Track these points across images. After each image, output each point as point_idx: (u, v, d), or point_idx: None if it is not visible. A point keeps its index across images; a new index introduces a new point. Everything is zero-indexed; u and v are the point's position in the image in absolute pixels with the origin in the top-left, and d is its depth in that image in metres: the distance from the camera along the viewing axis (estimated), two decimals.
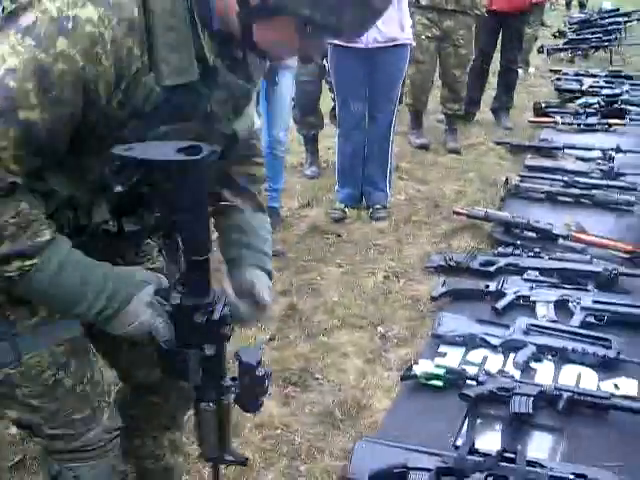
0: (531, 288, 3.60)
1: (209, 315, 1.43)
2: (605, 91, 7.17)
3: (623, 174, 5.05)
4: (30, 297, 1.44)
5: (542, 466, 2.59)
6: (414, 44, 4.78)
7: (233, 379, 1.54)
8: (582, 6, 14.00)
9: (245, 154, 1.78)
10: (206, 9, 1.38)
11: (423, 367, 3.08)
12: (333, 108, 5.06)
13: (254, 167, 1.83)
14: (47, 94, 1.25)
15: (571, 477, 2.52)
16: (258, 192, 1.83)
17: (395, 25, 4.37)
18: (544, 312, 3.47)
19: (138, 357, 1.83)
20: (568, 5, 14.44)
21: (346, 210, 4.71)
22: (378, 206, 4.68)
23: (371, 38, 4.31)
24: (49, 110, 1.27)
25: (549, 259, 3.90)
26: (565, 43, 10.25)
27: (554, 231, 4.17)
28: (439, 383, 3.05)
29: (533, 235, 4.21)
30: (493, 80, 7.01)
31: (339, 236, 4.41)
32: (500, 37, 6.61)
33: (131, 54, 1.31)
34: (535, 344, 3.21)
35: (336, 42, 4.42)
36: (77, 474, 1.71)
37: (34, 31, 1.25)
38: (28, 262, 1.34)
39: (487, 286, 3.65)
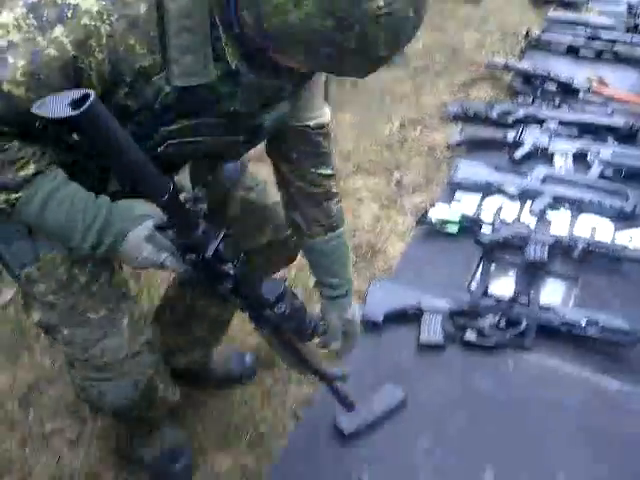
0: (550, 139, 3.55)
1: (202, 253, 1.41)
2: None
3: None
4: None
5: (555, 311, 2.63)
6: None
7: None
8: None
9: (310, 152, 1.76)
10: (228, 11, 1.29)
11: (438, 212, 3.08)
12: None
13: (322, 180, 1.80)
14: (34, 76, 1.24)
15: (583, 322, 2.56)
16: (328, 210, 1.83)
17: None
18: (562, 163, 3.44)
19: None
20: None
21: None
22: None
23: None
24: (34, 91, 1.24)
25: (569, 111, 3.83)
26: None
27: (575, 84, 4.08)
28: (454, 229, 3.06)
29: (553, 87, 4.11)
30: None
31: (355, 86, 4.31)
32: None
33: (133, 51, 1.27)
34: (552, 194, 3.20)
35: None
36: (101, 390, 1.74)
37: (38, 11, 1.23)
38: (13, 195, 1.34)
39: (505, 136, 3.60)
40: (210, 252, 1.40)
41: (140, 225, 1.40)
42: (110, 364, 1.68)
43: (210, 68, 1.33)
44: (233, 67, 1.36)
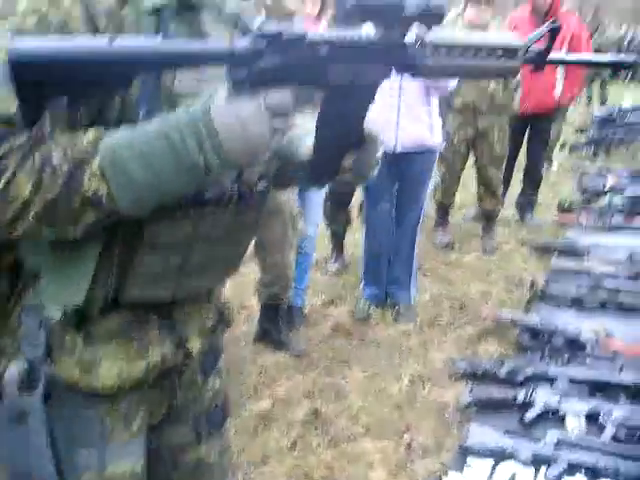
0: (560, 399, 3.53)
1: None
2: (629, 190, 7.17)
3: None
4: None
5: None
6: (442, 148, 4.82)
7: None
8: (603, 102, 14.21)
9: None
10: None
11: None
12: (362, 202, 5.10)
13: None
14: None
15: None
16: None
17: (425, 128, 4.41)
18: (575, 424, 3.39)
19: None
20: (589, 100, 14.60)
21: (370, 310, 4.67)
22: (403, 307, 4.64)
23: (400, 141, 4.35)
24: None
25: (578, 368, 3.83)
26: (587, 140, 10.32)
27: (582, 338, 4.11)
28: None
29: (561, 342, 4.14)
30: (517, 175, 7.02)
31: (363, 338, 4.37)
32: (526, 137, 6.67)
33: None
34: (566, 460, 3.13)
35: None
36: None
37: None
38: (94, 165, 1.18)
39: (515, 396, 3.57)
40: None
41: (211, 97, 1.21)
42: None
43: None
44: None
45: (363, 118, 1.38)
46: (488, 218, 6.15)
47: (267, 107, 1.18)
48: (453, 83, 4.46)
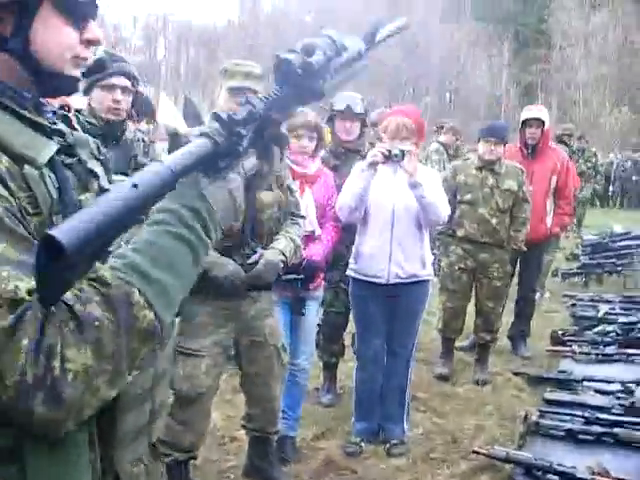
0: None
1: None
2: (622, 319, 7.19)
3: None
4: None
5: None
6: (435, 280, 4.87)
7: None
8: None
9: None
10: None
11: None
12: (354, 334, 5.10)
13: None
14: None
15: None
16: None
17: (417, 261, 4.47)
18: None
19: None
20: (579, 223, 14.77)
21: (362, 444, 4.60)
22: (395, 441, 4.57)
23: (392, 274, 4.41)
24: None
25: None
26: (579, 267, 10.41)
27: (577, 475, 4.05)
28: None
29: (555, 478, 4.08)
30: (508, 304, 7.05)
31: (355, 472, 4.29)
32: (518, 265, 6.74)
33: None
34: None
35: (355, 275, 4.55)
36: None
37: None
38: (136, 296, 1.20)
39: None
40: None
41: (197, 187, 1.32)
42: None
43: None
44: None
45: None
46: (483, 350, 6.14)
47: (246, 172, 1.41)
48: (445, 214, 4.53)
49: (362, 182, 4.34)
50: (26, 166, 1.24)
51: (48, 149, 1.30)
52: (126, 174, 3.52)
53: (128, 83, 3.72)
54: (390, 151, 4.31)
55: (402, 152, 4.31)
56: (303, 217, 3.89)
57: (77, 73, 1.40)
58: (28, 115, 1.32)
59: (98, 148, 1.53)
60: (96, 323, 1.12)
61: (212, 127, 1.31)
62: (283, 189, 3.67)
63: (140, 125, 4.27)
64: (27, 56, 1.31)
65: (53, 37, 1.33)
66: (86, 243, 1.03)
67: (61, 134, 1.39)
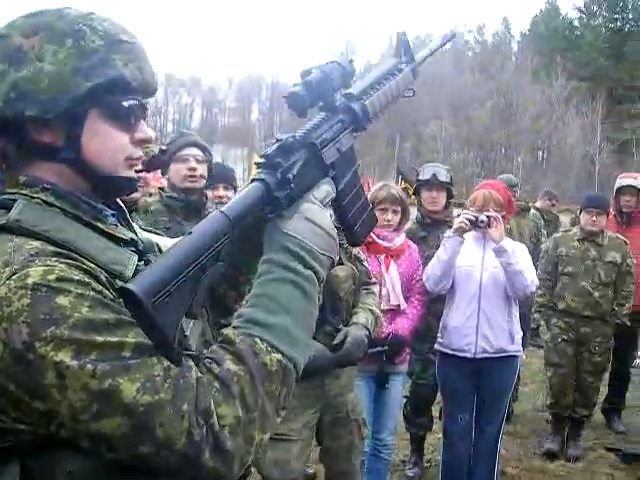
0: None
1: None
2: None
3: None
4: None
5: None
6: (524, 356, 4.78)
7: None
8: None
9: None
10: None
11: None
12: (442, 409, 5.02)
13: None
14: None
15: None
16: None
17: (505, 336, 4.41)
18: None
19: None
20: None
21: None
22: None
23: (480, 348, 4.36)
24: None
25: None
26: None
27: None
28: None
29: None
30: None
31: None
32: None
33: None
34: None
35: (442, 349, 4.51)
36: None
37: None
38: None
39: None
40: None
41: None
42: None
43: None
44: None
45: None
46: (578, 425, 5.95)
47: (320, 201, 1.45)
48: (532, 285, 4.46)
49: (449, 250, 4.34)
50: (117, 281, 1.30)
51: (132, 262, 1.36)
52: None
53: (200, 152, 3.83)
54: (477, 217, 4.31)
55: (488, 218, 4.30)
56: (375, 283, 3.89)
57: (132, 173, 1.46)
58: (107, 230, 1.38)
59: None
60: (235, 378, 1.23)
61: (257, 173, 1.39)
62: (352, 260, 3.68)
63: (221, 192, 4.34)
64: (82, 164, 1.37)
65: (104, 143, 1.38)
66: (153, 287, 1.11)
67: (134, 242, 1.44)
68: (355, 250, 3.72)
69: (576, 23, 70.91)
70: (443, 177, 5.05)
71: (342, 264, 3.58)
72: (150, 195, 4.22)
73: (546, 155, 63.05)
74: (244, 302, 1.35)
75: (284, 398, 1.30)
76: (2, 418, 1.18)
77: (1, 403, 1.17)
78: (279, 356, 1.28)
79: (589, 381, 5.85)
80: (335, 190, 1.51)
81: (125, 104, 1.38)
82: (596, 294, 5.73)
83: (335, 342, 3.45)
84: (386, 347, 4.09)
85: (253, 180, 1.37)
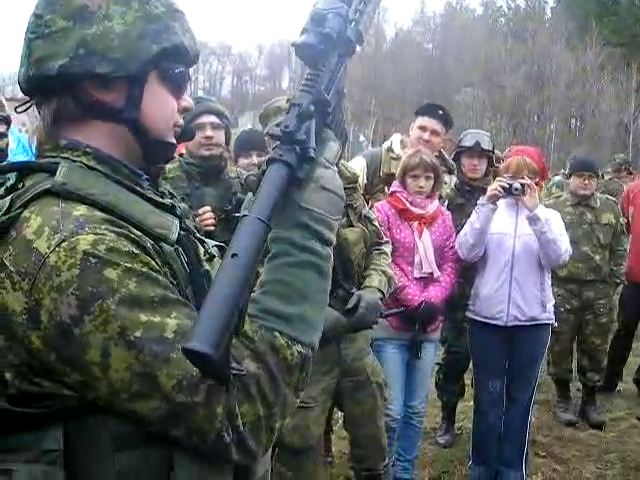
0: None
1: None
2: None
3: None
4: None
5: None
6: (556, 324, 4.76)
7: None
8: None
9: None
10: None
11: None
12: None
13: None
14: None
15: None
16: None
17: (537, 304, 4.38)
18: None
19: None
20: None
21: None
22: None
23: (511, 316, 4.34)
24: None
25: None
26: None
27: None
28: None
29: None
30: (636, 345, 6.80)
31: None
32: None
33: None
34: None
35: (474, 317, 4.49)
36: None
37: None
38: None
39: None
40: None
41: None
42: None
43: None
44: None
45: None
46: (592, 391, 5.95)
47: (332, 163, 1.39)
48: (567, 254, 4.42)
49: (481, 218, 4.30)
50: (163, 244, 1.30)
51: (175, 226, 1.35)
52: (226, 210, 3.65)
53: (216, 119, 3.82)
54: (511, 185, 4.27)
55: (522, 186, 4.26)
56: (387, 242, 3.84)
57: (174, 140, 1.48)
58: (149, 195, 1.38)
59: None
60: (254, 379, 1.21)
61: (276, 150, 1.32)
62: (362, 221, 3.64)
63: (254, 159, 4.31)
64: (138, 126, 1.38)
65: (160, 107, 1.40)
66: (222, 336, 1.09)
67: (173, 207, 1.44)
68: (365, 210, 3.70)
69: None
70: (486, 145, 5.01)
71: (352, 226, 3.55)
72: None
73: (579, 123, 62.28)
74: (258, 285, 1.30)
75: (302, 382, 1.30)
76: (43, 383, 1.18)
77: (41, 369, 1.18)
78: (299, 347, 1.27)
79: (597, 343, 5.85)
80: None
81: (177, 71, 1.40)
82: (597, 257, 5.74)
83: (348, 306, 3.42)
84: (401, 309, 4.07)
85: (273, 160, 1.30)
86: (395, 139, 5.00)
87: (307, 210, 1.32)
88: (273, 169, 1.29)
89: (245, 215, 1.21)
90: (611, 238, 5.81)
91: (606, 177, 10.07)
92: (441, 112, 4.87)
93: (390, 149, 4.92)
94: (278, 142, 1.32)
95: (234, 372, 1.17)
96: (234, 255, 1.15)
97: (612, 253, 5.84)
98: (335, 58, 1.42)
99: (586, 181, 5.74)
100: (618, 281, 5.92)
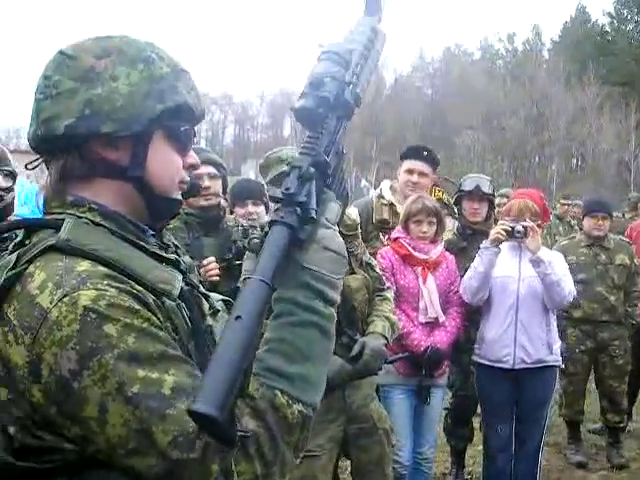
0: None
1: None
2: None
3: None
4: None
5: None
6: (562, 366, 4.75)
7: None
8: None
9: None
10: None
11: None
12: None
13: None
14: None
15: None
16: None
17: (543, 346, 4.39)
18: None
19: None
20: None
21: None
22: None
23: (518, 359, 4.34)
24: None
25: None
26: None
27: None
28: None
29: None
30: None
31: None
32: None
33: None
34: None
35: (480, 360, 4.49)
36: None
37: None
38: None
39: None
40: None
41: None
42: None
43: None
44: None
45: None
46: (615, 433, 5.90)
47: (333, 223, 1.39)
48: (570, 295, 4.43)
49: (485, 261, 4.33)
50: (165, 299, 1.32)
51: (178, 281, 1.37)
52: (227, 259, 3.67)
53: (213, 170, 3.86)
54: (513, 228, 4.31)
55: (525, 229, 4.29)
56: (389, 288, 3.83)
57: (180, 196, 1.50)
58: (153, 250, 1.40)
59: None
60: (254, 437, 1.20)
61: (277, 212, 1.32)
62: (364, 267, 3.64)
63: (250, 208, 4.31)
64: (143, 183, 1.41)
65: (165, 165, 1.43)
66: (227, 398, 1.09)
67: (177, 262, 1.46)
68: (366, 256, 3.71)
69: (607, 29, 70.32)
70: (486, 188, 5.05)
71: (353, 273, 3.56)
72: None
73: (580, 162, 62.49)
74: (262, 343, 1.30)
75: (303, 441, 1.29)
76: (45, 436, 1.20)
77: (43, 422, 1.20)
78: (300, 407, 1.26)
79: (614, 386, 5.81)
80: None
81: (182, 129, 1.44)
82: (612, 298, 5.73)
83: (353, 354, 3.41)
84: (406, 354, 4.08)
85: (274, 222, 1.30)
86: (384, 185, 5.04)
87: (310, 270, 1.32)
88: (275, 231, 1.29)
89: (248, 277, 1.23)
90: (625, 279, 5.80)
91: (627, 216, 10.12)
92: (426, 153, 4.90)
93: (381, 196, 4.94)
94: (279, 204, 1.34)
95: (240, 434, 1.17)
96: (238, 317, 1.16)
97: (627, 294, 5.83)
98: (334, 121, 1.44)
99: (600, 222, 5.76)
100: (633, 322, 5.90)
